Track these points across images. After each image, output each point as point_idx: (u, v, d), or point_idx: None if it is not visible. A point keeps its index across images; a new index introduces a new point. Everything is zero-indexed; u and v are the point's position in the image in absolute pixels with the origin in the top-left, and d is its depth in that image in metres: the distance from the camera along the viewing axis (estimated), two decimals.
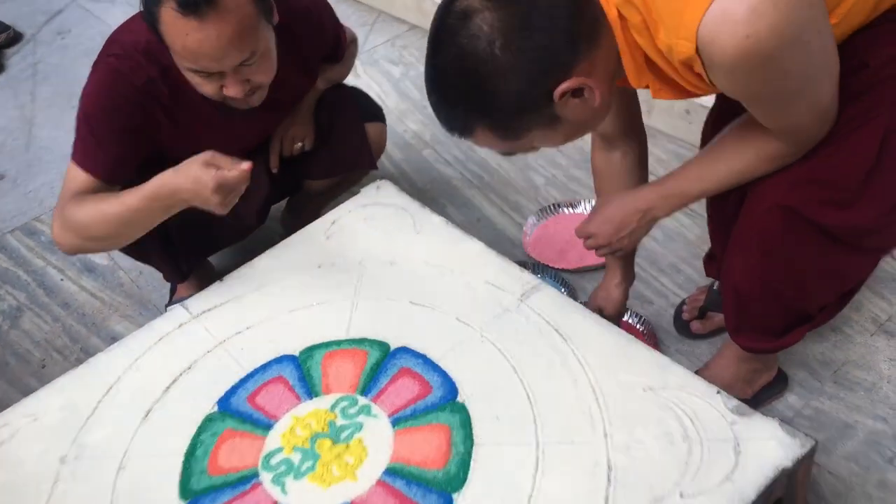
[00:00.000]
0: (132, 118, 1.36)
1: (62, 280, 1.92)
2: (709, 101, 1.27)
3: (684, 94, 0.96)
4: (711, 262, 1.48)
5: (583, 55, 0.89)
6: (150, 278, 1.88)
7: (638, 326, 1.55)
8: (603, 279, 1.48)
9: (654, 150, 2.01)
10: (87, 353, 1.73)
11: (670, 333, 1.56)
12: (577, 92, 0.91)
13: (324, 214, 1.58)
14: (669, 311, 1.61)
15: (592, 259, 1.72)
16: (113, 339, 1.74)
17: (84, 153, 1.35)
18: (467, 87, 0.88)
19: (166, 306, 1.76)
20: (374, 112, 1.78)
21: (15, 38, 2.79)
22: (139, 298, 1.85)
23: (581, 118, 0.94)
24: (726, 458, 1.00)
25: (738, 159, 1.06)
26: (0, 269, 1.97)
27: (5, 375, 1.71)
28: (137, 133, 1.37)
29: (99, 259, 1.96)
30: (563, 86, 0.88)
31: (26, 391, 1.65)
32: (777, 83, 0.88)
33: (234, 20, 1.23)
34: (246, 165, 1.20)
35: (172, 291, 1.80)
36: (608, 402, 1.09)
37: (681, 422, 1.05)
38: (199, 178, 1.19)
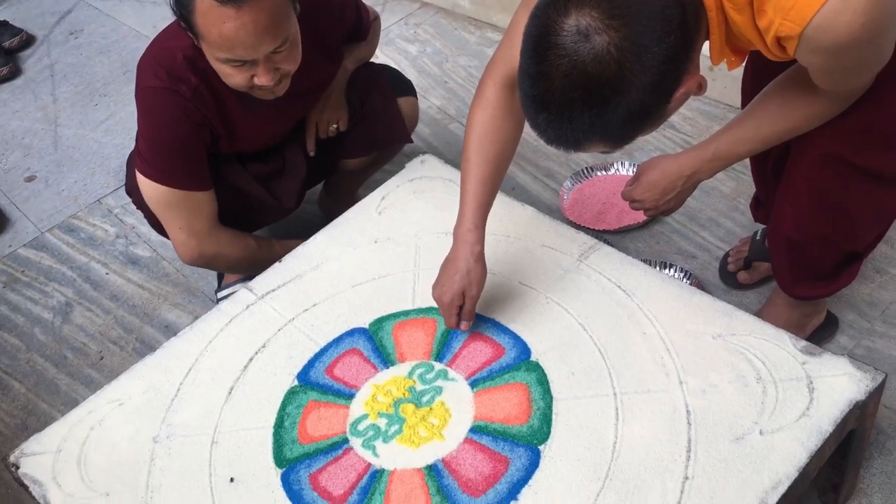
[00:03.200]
0: (192, 130, 1.44)
1: (107, 274, 1.95)
2: None
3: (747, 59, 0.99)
4: (759, 207, 1.51)
5: (693, 53, 0.89)
6: (195, 267, 1.92)
7: (684, 281, 1.59)
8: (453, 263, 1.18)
9: (680, 108, 2.05)
10: (142, 342, 1.77)
11: (717, 286, 1.60)
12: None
13: (360, 193, 1.62)
14: (714, 265, 1.65)
15: (630, 219, 1.76)
16: (166, 327, 1.79)
17: (183, 176, 1.47)
18: (591, 108, 0.84)
19: (216, 292, 1.79)
20: (404, 86, 1.81)
21: (28, 41, 2.80)
22: (186, 287, 1.89)
23: (680, 107, 0.94)
24: (801, 396, 1.05)
25: (784, 119, 1.10)
26: (44, 268, 2.00)
27: (66, 369, 1.75)
28: (200, 140, 1.46)
29: (142, 251, 1.99)
30: (683, 89, 0.87)
31: (88, 383, 1.70)
32: (863, 59, 0.93)
33: (269, 7, 1.26)
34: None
35: (220, 279, 1.83)
36: (679, 351, 1.14)
37: (752, 365, 1.09)
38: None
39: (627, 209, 1.77)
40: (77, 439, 1.20)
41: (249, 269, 1.61)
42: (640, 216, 1.74)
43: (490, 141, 1.17)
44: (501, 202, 1.44)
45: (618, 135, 0.89)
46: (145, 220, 2.02)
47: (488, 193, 1.18)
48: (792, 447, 1.00)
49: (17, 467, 1.18)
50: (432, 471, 1.06)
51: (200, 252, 1.55)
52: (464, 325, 1.20)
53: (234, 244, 1.59)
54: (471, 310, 1.18)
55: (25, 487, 1.16)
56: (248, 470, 1.11)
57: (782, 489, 0.97)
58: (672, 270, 1.62)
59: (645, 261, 1.53)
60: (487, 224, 1.40)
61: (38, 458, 1.18)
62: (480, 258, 1.17)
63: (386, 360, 1.22)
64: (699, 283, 1.60)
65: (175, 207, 1.50)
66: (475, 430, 1.10)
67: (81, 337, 1.81)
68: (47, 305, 1.90)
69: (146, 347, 1.74)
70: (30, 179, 2.30)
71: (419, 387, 1.17)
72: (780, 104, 1.08)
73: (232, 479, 1.11)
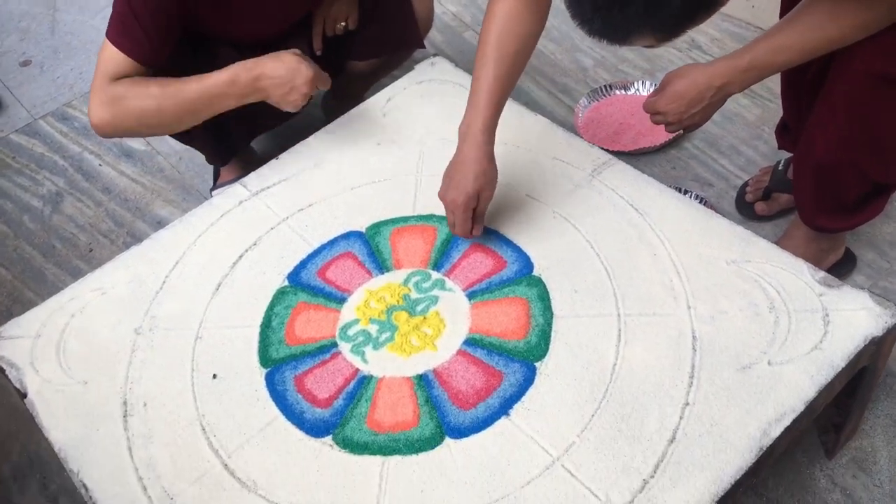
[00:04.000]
0: None
1: (100, 165, 1.89)
2: None
3: None
4: (784, 134, 1.43)
5: None
6: (191, 164, 1.85)
7: None
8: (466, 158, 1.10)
9: (707, 29, 1.94)
10: (133, 236, 1.71)
11: (733, 216, 1.53)
12: None
13: (367, 97, 1.53)
14: (731, 194, 1.57)
15: (647, 141, 1.68)
16: (158, 223, 1.73)
17: (123, 34, 1.27)
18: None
19: (212, 191, 1.73)
20: None
21: None
22: (181, 183, 1.82)
23: None
24: (815, 328, 0.99)
25: (831, 27, 1.00)
26: (36, 155, 1.93)
27: (53, 258, 1.70)
28: (176, 13, 1.29)
29: (137, 144, 1.92)
30: None
31: (76, 274, 1.65)
32: None
33: None
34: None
35: (216, 177, 1.76)
36: (690, 275, 1.08)
37: (766, 293, 1.04)
38: (298, 67, 1.21)
39: (644, 131, 1.70)
40: (57, 325, 1.16)
41: (179, 121, 1.31)
42: (658, 138, 1.66)
43: (511, 35, 1.08)
44: (513, 111, 1.37)
45: (671, 25, 0.80)
46: None
47: (504, 93, 1.11)
48: (800, 380, 0.95)
49: None
50: (422, 381, 1.02)
51: (103, 119, 1.26)
52: (477, 230, 1.13)
53: (135, 93, 1.25)
54: (483, 212, 1.12)
55: (2, 370, 1.12)
56: (231, 368, 1.07)
57: (786, 422, 0.92)
58: (687, 197, 1.54)
59: None
60: (497, 132, 1.32)
61: (16, 341, 1.15)
62: (493, 159, 1.11)
63: (381, 266, 1.17)
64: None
65: (101, 67, 1.27)
66: (470, 342, 1.06)
67: (71, 227, 1.76)
68: (37, 193, 1.84)
69: (136, 242, 1.66)
70: (25, 64, 2.21)
71: (414, 295, 1.12)
72: (828, 9, 0.99)
73: (215, 376, 1.07)
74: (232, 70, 1.25)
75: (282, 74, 1.24)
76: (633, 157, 1.67)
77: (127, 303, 1.17)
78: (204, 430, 1.01)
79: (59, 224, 1.77)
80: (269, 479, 0.96)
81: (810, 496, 1.18)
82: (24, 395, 1.09)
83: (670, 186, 1.55)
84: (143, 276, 1.20)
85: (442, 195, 1.12)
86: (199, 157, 1.74)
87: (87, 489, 0.98)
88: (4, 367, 1.12)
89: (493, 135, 1.11)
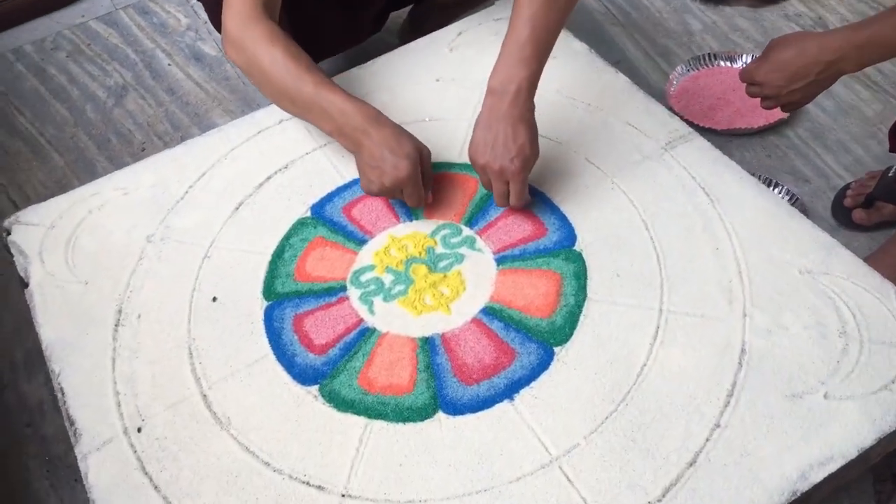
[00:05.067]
0: None
1: (169, 65, 1.84)
2: None
3: None
4: None
5: None
6: None
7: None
8: None
9: (839, 8, 1.72)
10: None
11: (825, 220, 1.36)
12: None
13: None
14: (828, 195, 1.39)
15: (744, 122, 1.50)
16: None
17: None
18: None
19: None
20: None
21: None
22: (244, 95, 1.76)
23: None
24: (889, 365, 0.84)
25: None
26: (110, 45, 1.90)
27: (106, 152, 1.67)
28: None
29: (209, 49, 1.86)
30: None
31: None
32: None
33: None
34: (429, 200, 1.06)
35: None
36: (754, 278, 0.93)
37: (840, 314, 0.88)
38: (401, 158, 0.99)
39: (744, 111, 1.52)
40: (73, 219, 1.11)
41: (272, 96, 1.13)
42: (756, 120, 1.48)
43: None
44: (591, 64, 1.23)
45: None
46: None
47: (551, 46, 0.98)
48: (859, 422, 0.80)
49: (9, 233, 1.10)
50: (427, 344, 0.92)
51: (235, 37, 1.11)
52: (527, 199, 1.01)
53: (272, 54, 1.08)
54: None
55: (11, 256, 1.09)
56: (233, 294, 1.00)
57: (832, 468, 0.78)
58: (777, 190, 1.37)
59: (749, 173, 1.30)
60: (566, 88, 1.20)
61: (30, 228, 1.11)
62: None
63: (410, 213, 1.06)
64: (804, 211, 1.35)
65: None
66: (487, 311, 0.95)
67: (129, 123, 1.72)
68: (104, 84, 1.81)
69: None
70: None
71: (439, 249, 1.02)
72: None
73: (215, 299, 1.00)
74: (355, 104, 1.04)
75: (385, 150, 1.01)
76: (725, 137, 1.50)
77: (146, 207, 1.11)
78: (191, 354, 0.95)
79: (119, 118, 1.73)
80: (244, 419, 0.88)
81: None
82: (26, 285, 1.05)
83: (760, 176, 1.39)
84: (168, 181, 1.14)
85: (487, 161, 0.96)
86: None
87: (63, 393, 0.93)
88: (14, 252, 1.08)
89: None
